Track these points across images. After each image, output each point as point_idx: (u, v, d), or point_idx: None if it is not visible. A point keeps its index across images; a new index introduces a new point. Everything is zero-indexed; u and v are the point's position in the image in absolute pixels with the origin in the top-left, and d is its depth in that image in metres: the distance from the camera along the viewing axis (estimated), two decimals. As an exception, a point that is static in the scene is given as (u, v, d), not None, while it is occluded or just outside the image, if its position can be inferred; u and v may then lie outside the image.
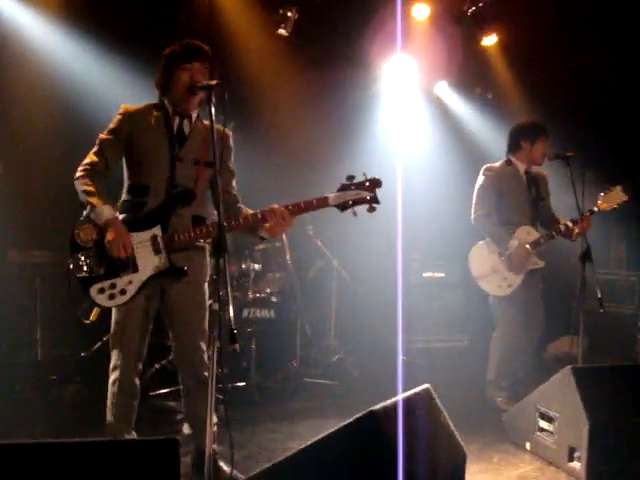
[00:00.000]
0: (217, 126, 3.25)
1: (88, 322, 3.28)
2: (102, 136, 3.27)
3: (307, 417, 4.71)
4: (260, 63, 6.17)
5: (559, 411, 3.77)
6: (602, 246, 7.42)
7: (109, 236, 3.05)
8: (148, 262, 3.14)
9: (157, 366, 5.07)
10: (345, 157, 6.60)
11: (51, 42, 5.52)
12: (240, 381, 5.09)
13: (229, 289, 2.74)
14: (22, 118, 5.63)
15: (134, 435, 3.37)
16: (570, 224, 4.72)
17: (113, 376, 3.32)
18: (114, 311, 3.28)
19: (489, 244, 4.92)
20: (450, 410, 4.77)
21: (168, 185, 3.21)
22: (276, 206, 3.16)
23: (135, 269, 3.13)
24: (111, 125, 3.28)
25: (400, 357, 5.86)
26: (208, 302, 3.37)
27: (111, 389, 3.33)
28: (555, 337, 6.79)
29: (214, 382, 2.88)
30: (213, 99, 2.93)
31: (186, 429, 3.61)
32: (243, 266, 5.47)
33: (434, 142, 7.10)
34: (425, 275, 6.90)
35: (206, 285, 3.41)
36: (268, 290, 5.57)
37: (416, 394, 2.96)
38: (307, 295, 6.40)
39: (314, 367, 5.90)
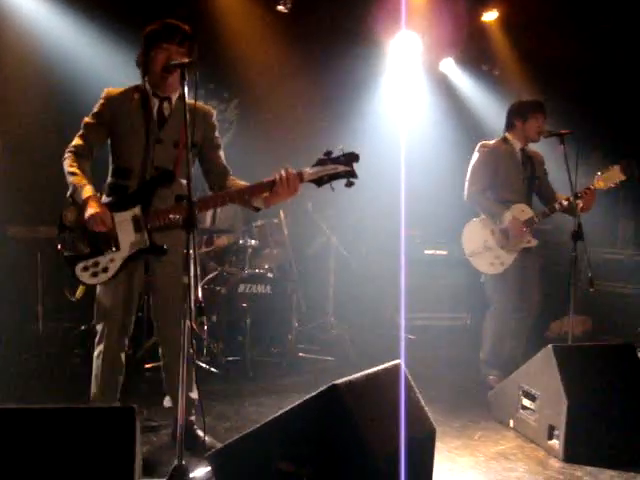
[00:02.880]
0: (199, 106, 3.32)
1: (74, 299, 3.36)
2: (86, 119, 3.34)
3: (298, 392, 4.72)
4: (260, 39, 6.16)
5: (541, 389, 3.78)
6: (610, 226, 7.37)
7: (87, 212, 3.10)
8: (129, 240, 3.21)
9: (153, 339, 5.14)
10: (348, 134, 6.58)
11: (46, 21, 5.59)
12: (234, 355, 5.18)
13: (197, 265, 2.79)
14: (20, 96, 5.72)
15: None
16: (565, 202, 4.66)
17: (98, 349, 3.40)
18: (98, 287, 3.36)
19: (483, 221, 4.90)
20: (441, 386, 4.90)
21: (145, 168, 3.28)
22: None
23: (117, 247, 3.20)
24: (94, 109, 3.35)
25: (402, 334, 5.90)
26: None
27: (95, 362, 3.41)
28: (559, 316, 6.77)
29: (185, 354, 2.94)
30: (186, 77, 2.94)
31: (167, 402, 3.69)
32: (240, 241, 5.52)
33: (438, 119, 7.06)
34: (427, 252, 6.89)
35: None
36: (265, 266, 5.61)
37: (385, 369, 2.98)
38: (306, 272, 6.44)
39: (310, 343, 5.93)
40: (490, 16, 6.47)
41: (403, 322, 6.46)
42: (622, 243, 7.50)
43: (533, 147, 5.00)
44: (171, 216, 3.22)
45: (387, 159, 5.95)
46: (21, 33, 5.60)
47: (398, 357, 3.14)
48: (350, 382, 2.72)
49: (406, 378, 3.08)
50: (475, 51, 6.99)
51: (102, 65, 5.46)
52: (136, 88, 3.36)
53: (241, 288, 5.28)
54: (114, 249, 3.19)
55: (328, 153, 3.19)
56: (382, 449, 2.63)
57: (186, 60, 2.99)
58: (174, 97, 3.36)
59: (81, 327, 5.43)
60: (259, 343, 5.30)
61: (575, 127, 4.54)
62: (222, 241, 5.96)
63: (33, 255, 5.50)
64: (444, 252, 6.91)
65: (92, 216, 3.10)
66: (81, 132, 3.33)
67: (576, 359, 3.74)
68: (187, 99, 2.98)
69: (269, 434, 2.74)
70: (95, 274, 3.19)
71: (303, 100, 6.67)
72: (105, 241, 3.18)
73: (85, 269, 3.18)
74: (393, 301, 6.49)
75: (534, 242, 4.82)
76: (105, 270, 3.20)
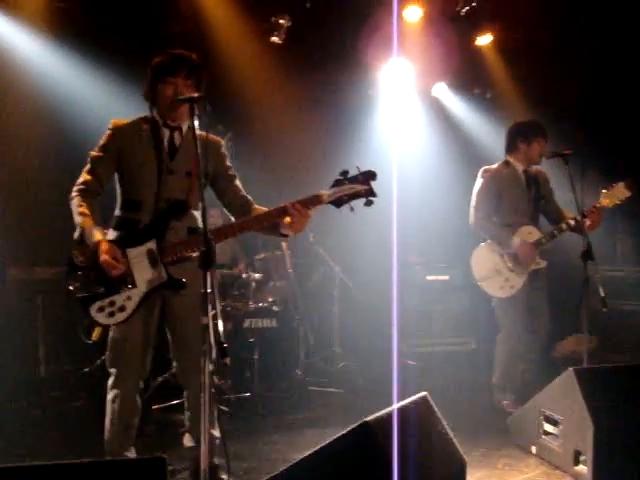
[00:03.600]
0: (210, 137, 3.23)
1: (90, 342, 3.24)
2: (93, 153, 3.25)
3: (311, 426, 4.67)
4: (254, 71, 6.16)
5: (563, 414, 3.71)
6: (609, 242, 7.37)
7: (101, 258, 3.01)
8: (145, 276, 3.11)
9: (160, 379, 5.03)
10: (342, 161, 6.51)
11: (41, 58, 5.55)
12: (243, 392, 5.07)
13: (217, 303, 2.72)
14: (17, 136, 5.66)
15: (134, 452, 3.32)
16: (572, 222, 4.64)
17: (112, 393, 3.27)
18: (112, 327, 3.23)
19: (490, 245, 4.87)
20: (455, 414, 4.78)
21: (157, 200, 3.19)
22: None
23: (133, 284, 3.10)
24: (101, 142, 3.26)
25: (395, 362, 5.80)
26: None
27: (110, 406, 3.28)
28: (564, 336, 6.73)
29: (207, 395, 2.86)
30: (196, 111, 2.89)
31: (187, 441, 3.55)
32: (244, 276, 5.45)
33: (432, 144, 7.07)
34: (429, 278, 6.85)
35: None
36: (270, 299, 5.53)
37: (412, 403, 2.91)
38: (310, 303, 6.37)
39: (318, 376, 5.83)
40: (484, 40, 6.50)
41: (396, 349, 6.38)
42: (621, 260, 7.50)
43: (535, 166, 4.98)
44: (188, 252, 3.14)
45: (383, 184, 5.90)
46: (19, 73, 5.55)
47: (407, 385, 3.06)
48: (381, 418, 2.64)
49: (433, 411, 3.02)
50: (467, 75, 7.01)
51: (101, 102, 5.42)
52: (144, 119, 3.29)
53: (247, 323, 5.20)
54: (130, 286, 3.10)
55: (344, 173, 3.13)
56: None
57: (195, 95, 2.93)
58: (184, 127, 3.30)
59: (83, 369, 5.32)
60: (267, 378, 5.19)
61: (570, 146, 4.55)
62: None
63: (32, 297, 5.40)
64: (446, 277, 6.88)
65: (105, 262, 3.00)
66: (88, 167, 3.23)
67: (598, 381, 3.67)
68: (197, 132, 2.91)
69: (299, 476, 2.65)
70: (112, 314, 3.08)
71: (298, 129, 6.65)
72: (120, 279, 3.07)
73: (101, 309, 3.07)
74: (397, 329, 6.42)
75: (543, 263, 4.79)
76: (122, 309, 3.08)
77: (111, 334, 3.26)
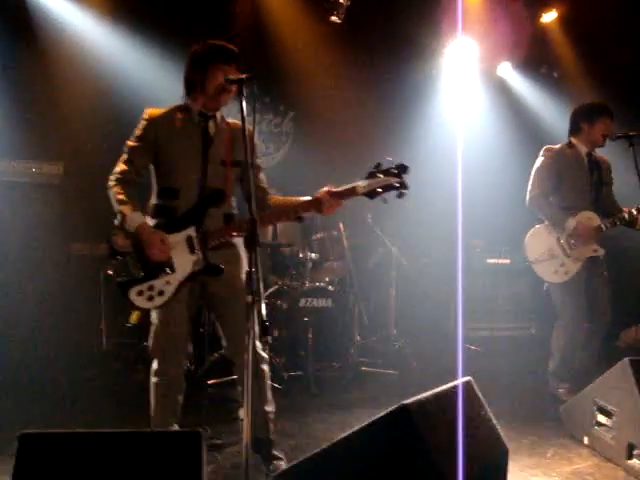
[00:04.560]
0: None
1: (130, 325, 3.33)
2: (130, 143, 3.30)
3: (362, 407, 4.68)
4: (315, 51, 6.16)
5: (617, 405, 3.61)
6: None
7: (148, 241, 3.10)
8: (184, 262, 3.19)
9: (216, 355, 5.13)
10: (404, 142, 6.54)
11: (103, 41, 5.69)
12: (297, 370, 5.14)
13: (261, 283, 2.75)
14: (81, 118, 5.85)
15: (176, 428, 3.41)
16: (635, 212, 4.48)
17: (157, 378, 3.35)
18: (153, 312, 3.31)
19: (547, 227, 4.74)
20: (509, 400, 4.75)
21: (200, 186, 3.24)
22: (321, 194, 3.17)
23: (172, 270, 3.17)
24: (137, 131, 3.30)
25: (460, 344, 5.77)
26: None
27: (153, 386, 3.37)
28: (629, 325, 6.53)
29: (250, 374, 2.91)
30: (244, 93, 2.92)
31: (242, 414, 3.63)
32: (300, 255, 5.48)
33: (496, 126, 6.92)
34: (489, 261, 6.74)
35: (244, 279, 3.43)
36: (326, 279, 5.56)
37: (454, 387, 2.88)
38: (367, 284, 6.38)
39: (372, 356, 5.83)
40: (549, 17, 6.29)
41: (460, 333, 6.33)
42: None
43: (600, 152, 4.82)
44: (226, 237, 3.22)
45: (444, 166, 5.85)
46: (81, 57, 5.72)
47: (464, 370, 3.04)
48: (420, 402, 2.62)
49: (476, 396, 2.98)
50: (533, 53, 6.81)
51: (162, 85, 5.51)
52: (178, 108, 3.34)
53: (302, 302, 5.26)
54: (169, 272, 3.17)
55: (378, 165, 3.15)
56: (453, 472, 2.53)
57: (244, 75, 2.95)
58: (218, 116, 3.36)
59: (143, 343, 5.47)
60: (321, 357, 5.25)
61: (637, 129, 4.38)
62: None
63: (95, 272, 5.58)
64: (507, 261, 6.76)
65: (150, 248, 3.10)
66: (125, 157, 3.28)
67: (655, 373, 3.56)
68: (245, 114, 2.94)
69: (335, 455, 2.67)
70: (151, 298, 3.16)
71: (359, 109, 6.62)
72: (160, 264, 3.15)
73: (140, 293, 3.15)
74: (455, 312, 6.37)
75: (601, 251, 4.63)
76: (161, 294, 3.16)
77: (153, 320, 3.34)
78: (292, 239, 6.04)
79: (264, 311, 2.77)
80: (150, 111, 3.32)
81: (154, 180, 3.35)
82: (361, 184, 3.13)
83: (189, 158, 3.25)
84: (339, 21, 5.92)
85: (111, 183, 3.22)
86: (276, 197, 3.44)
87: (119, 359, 5.37)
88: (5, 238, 5.44)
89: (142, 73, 5.58)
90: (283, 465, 3.36)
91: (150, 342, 3.37)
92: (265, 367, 3.43)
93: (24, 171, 5.59)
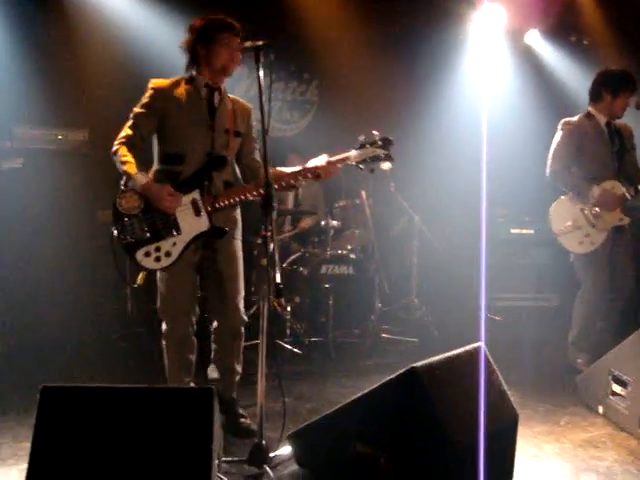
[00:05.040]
0: (241, 101, 3.54)
1: (136, 286, 3.42)
2: (136, 110, 3.39)
3: (380, 373, 4.66)
4: (339, 21, 6.15)
5: (633, 375, 3.62)
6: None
7: (155, 200, 3.20)
8: (190, 224, 3.29)
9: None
10: (429, 108, 6.51)
11: (129, 8, 5.74)
12: (317, 336, 5.20)
13: (275, 246, 2.84)
14: (105, 86, 5.90)
15: (192, 385, 3.52)
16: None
17: (169, 340, 3.47)
18: (159, 274, 3.42)
19: (571, 199, 4.70)
20: (527, 369, 4.78)
21: (200, 154, 3.33)
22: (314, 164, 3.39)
23: (178, 231, 3.27)
24: (143, 99, 3.40)
25: (483, 314, 5.75)
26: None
27: (166, 347, 3.50)
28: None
29: (265, 336, 2.99)
30: (261, 59, 2.96)
31: (212, 372, 3.71)
32: (322, 223, 5.52)
33: (523, 93, 6.80)
34: (513, 232, 6.69)
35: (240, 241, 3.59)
36: (348, 247, 5.59)
37: (466, 352, 2.91)
38: (389, 252, 6.39)
39: (393, 324, 5.87)
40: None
41: (484, 302, 6.31)
42: None
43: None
44: (230, 202, 3.32)
45: (469, 134, 5.80)
46: (107, 24, 5.77)
47: (483, 339, 3.07)
48: (430, 365, 2.67)
49: (488, 361, 3.01)
50: (563, 21, 6.67)
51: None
52: (184, 78, 3.43)
53: (323, 269, 5.30)
54: (175, 233, 3.26)
55: (366, 137, 3.41)
56: (462, 436, 2.57)
57: (260, 42, 2.98)
58: (222, 87, 3.45)
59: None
60: (342, 324, 5.30)
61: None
62: (306, 223, 6.00)
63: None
64: (531, 231, 6.69)
65: (160, 201, 3.20)
66: (131, 122, 3.36)
67: (671, 343, 3.55)
68: (262, 82, 2.98)
69: (347, 416, 2.74)
70: (158, 259, 3.24)
71: (384, 77, 6.58)
72: (166, 226, 3.25)
73: (147, 254, 3.23)
74: (478, 282, 6.35)
75: (626, 220, 4.60)
76: (168, 254, 3.25)
77: (160, 284, 3.44)
78: (314, 206, 6.08)
79: (278, 274, 2.85)
80: (156, 81, 3.43)
81: (157, 148, 3.43)
82: (354, 153, 3.39)
83: (196, 127, 3.35)
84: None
85: (115, 147, 3.30)
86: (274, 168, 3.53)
87: (143, 323, 5.47)
88: (32, 205, 5.54)
89: (167, 41, 5.57)
90: (251, 424, 3.50)
91: (158, 304, 3.47)
92: (243, 330, 3.58)
93: (50, 138, 5.69)
